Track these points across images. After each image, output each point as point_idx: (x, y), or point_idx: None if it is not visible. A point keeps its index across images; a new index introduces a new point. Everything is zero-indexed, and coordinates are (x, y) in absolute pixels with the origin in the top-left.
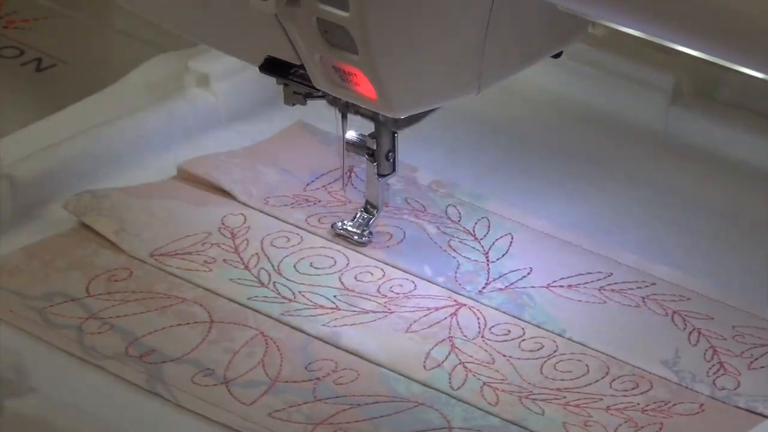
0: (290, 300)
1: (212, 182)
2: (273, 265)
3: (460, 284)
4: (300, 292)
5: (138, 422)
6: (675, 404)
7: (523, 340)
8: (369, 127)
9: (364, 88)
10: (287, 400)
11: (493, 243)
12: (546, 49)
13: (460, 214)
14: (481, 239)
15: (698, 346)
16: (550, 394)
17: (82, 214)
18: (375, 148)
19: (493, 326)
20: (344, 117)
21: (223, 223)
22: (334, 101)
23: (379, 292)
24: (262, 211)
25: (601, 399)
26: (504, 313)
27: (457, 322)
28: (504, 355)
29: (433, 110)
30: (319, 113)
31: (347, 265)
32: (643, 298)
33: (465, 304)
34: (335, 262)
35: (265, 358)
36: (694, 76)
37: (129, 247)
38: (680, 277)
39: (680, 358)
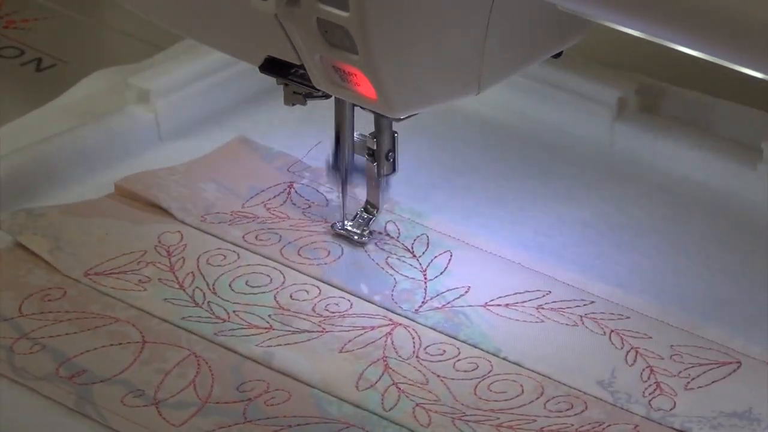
0: (224, 320)
1: (150, 199)
2: (208, 284)
3: (396, 303)
4: (234, 311)
5: None
6: (609, 425)
7: (458, 360)
8: (369, 127)
9: (364, 88)
10: (217, 422)
11: (432, 260)
12: (546, 49)
13: (399, 230)
14: (420, 256)
15: (635, 366)
16: (482, 416)
17: (17, 233)
18: (375, 148)
19: (428, 346)
20: (344, 184)
21: (159, 241)
22: (334, 168)
23: (314, 311)
24: (199, 229)
25: (535, 420)
26: (440, 332)
27: (392, 341)
28: (438, 376)
29: None
30: (262, 128)
31: (283, 283)
32: (581, 316)
33: (400, 323)
34: (271, 280)
35: (197, 379)
36: (639, 92)
37: (63, 266)
38: (619, 296)
39: (616, 378)
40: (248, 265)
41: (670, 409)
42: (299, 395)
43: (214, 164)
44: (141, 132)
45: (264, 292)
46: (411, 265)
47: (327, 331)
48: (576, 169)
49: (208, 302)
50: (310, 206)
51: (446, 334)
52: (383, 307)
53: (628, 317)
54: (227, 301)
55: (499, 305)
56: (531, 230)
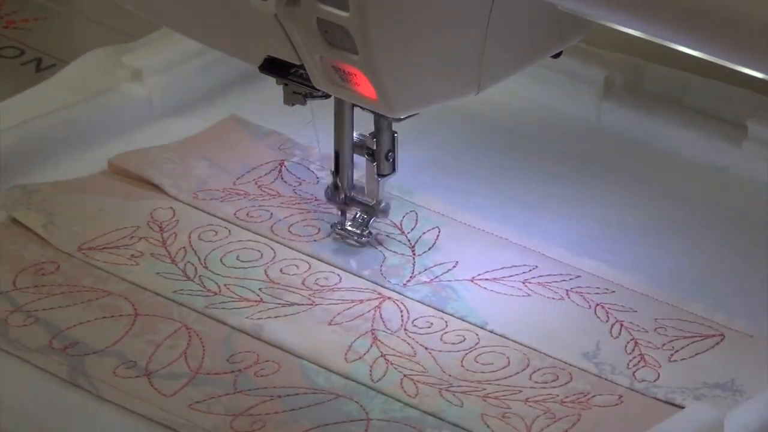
0: (215, 293)
1: (143, 176)
2: (199, 259)
3: (385, 277)
4: (225, 285)
5: (59, 414)
6: (594, 396)
7: (446, 332)
8: (369, 126)
9: (364, 88)
10: (207, 392)
11: (420, 236)
12: (546, 49)
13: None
14: (408, 233)
15: (620, 339)
16: (469, 387)
17: (11, 209)
18: (375, 148)
19: (416, 319)
20: (343, 213)
21: (152, 217)
22: (332, 196)
23: (304, 284)
24: (191, 205)
25: (521, 391)
26: (427, 306)
27: (381, 314)
28: (425, 348)
29: None
30: (253, 108)
31: (273, 258)
32: (567, 291)
33: (389, 297)
34: (261, 255)
35: (188, 351)
36: (625, 71)
37: (57, 241)
38: (605, 270)
39: (601, 351)
40: (239, 240)
41: (654, 380)
42: (288, 366)
43: (206, 142)
44: (134, 110)
45: (254, 267)
46: (400, 241)
47: (316, 304)
48: (564, 148)
49: (200, 276)
50: (300, 183)
51: (434, 308)
52: (372, 282)
53: (613, 291)
54: (218, 275)
55: (486, 279)
56: (518, 207)
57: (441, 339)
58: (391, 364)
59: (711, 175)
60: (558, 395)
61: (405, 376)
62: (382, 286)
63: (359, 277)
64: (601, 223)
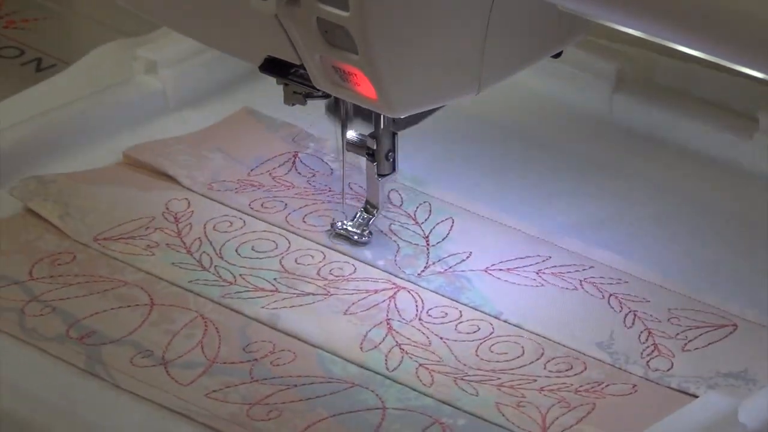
0: (231, 283)
1: (157, 168)
2: (215, 249)
3: (399, 267)
4: (240, 275)
5: (76, 402)
6: (608, 385)
7: (460, 322)
8: (369, 127)
9: (364, 88)
10: (224, 381)
11: (434, 227)
12: (546, 49)
13: (402, 198)
14: (422, 223)
15: (633, 328)
16: (484, 376)
17: (27, 199)
18: (375, 148)
19: (430, 309)
20: (344, 126)
21: (167, 208)
22: (334, 110)
23: (318, 274)
24: (205, 196)
25: (535, 380)
26: (442, 296)
27: (395, 304)
28: (440, 337)
29: (434, 110)
30: (266, 100)
31: (288, 248)
32: (580, 281)
33: (404, 287)
34: (276, 245)
35: (204, 340)
36: (637, 63)
37: (73, 231)
38: (618, 261)
39: (615, 340)
40: (254, 231)
41: (668, 370)
42: (304, 356)
43: (220, 134)
44: (149, 102)
45: (270, 257)
46: (414, 231)
47: (331, 294)
48: (575, 140)
49: (215, 266)
50: (314, 175)
51: (448, 298)
52: (386, 272)
53: (626, 282)
54: (234, 265)
55: (500, 270)
56: (531, 198)
57: (455, 329)
58: (406, 353)
59: (723, 166)
60: (572, 384)
61: (420, 365)
62: (396, 276)
63: (374, 267)
64: (614, 215)
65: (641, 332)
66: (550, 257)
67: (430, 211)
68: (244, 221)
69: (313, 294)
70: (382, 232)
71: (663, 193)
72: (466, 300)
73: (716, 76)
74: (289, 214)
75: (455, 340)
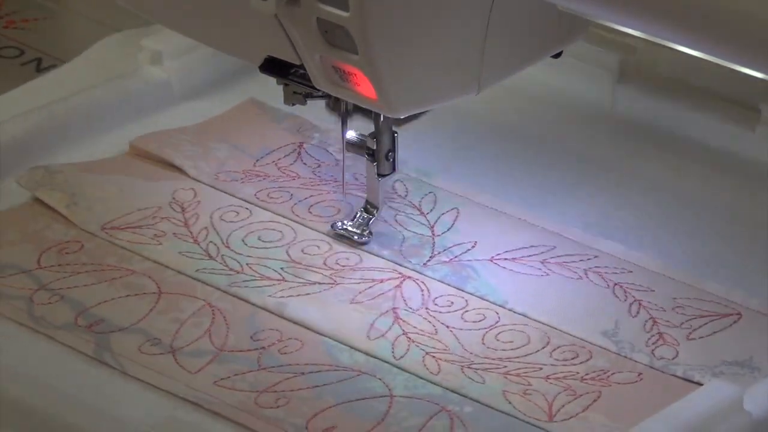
0: (238, 272)
1: (164, 158)
2: (222, 239)
3: (405, 257)
4: (247, 264)
5: (85, 389)
6: (614, 373)
7: (466, 311)
8: (369, 126)
9: (364, 88)
10: (232, 369)
11: (439, 217)
12: (546, 49)
13: (407, 189)
14: (427, 213)
15: (638, 317)
16: (491, 364)
17: (35, 188)
18: (375, 147)
19: (436, 298)
20: (344, 123)
21: (173, 198)
22: (334, 106)
23: (325, 264)
24: (212, 186)
25: (541, 368)
26: (448, 285)
27: (402, 293)
28: (447, 326)
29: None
30: (272, 91)
31: (294, 238)
32: (585, 270)
33: (410, 277)
34: (283, 235)
35: (212, 328)
36: (639, 54)
37: (80, 220)
38: (623, 251)
39: (620, 329)
40: (260, 221)
41: (673, 358)
42: (311, 344)
43: (225, 125)
44: (154, 93)
45: (276, 247)
46: (419, 221)
47: (338, 284)
48: (579, 131)
49: (222, 255)
50: (319, 165)
51: (454, 287)
52: (392, 261)
53: (630, 271)
54: (240, 254)
55: (505, 259)
56: (536, 189)
57: (462, 317)
58: (413, 341)
59: (725, 158)
60: (578, 372)
61: (427, 353)
62: (402, 265)
63: (379, 257)
64: (617, 205)
65: (646, 321)
66: (555, 247)
67: (435, 201)
68: (251, 211)
69: (320, 283)
70: (387, 222)
71: (666, 184)
72: (472, 289)
73: (719, 68)
74: (295, 204)
75: (461, 329)
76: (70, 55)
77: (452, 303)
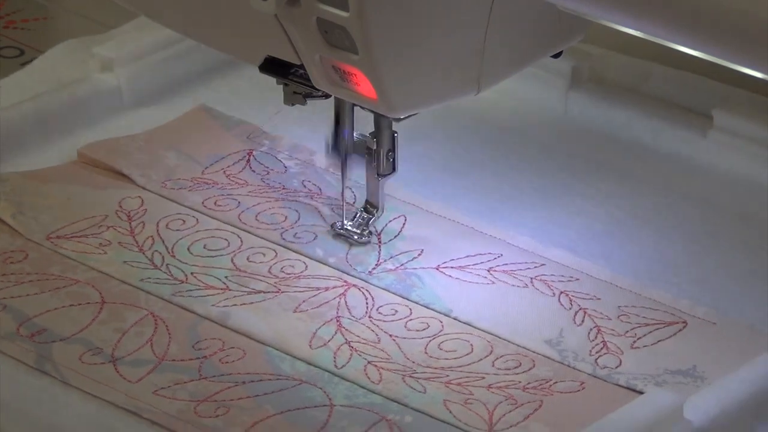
0: (182, 281)
1: (111, 166)
2: (167, 248)
3: (350, 265)
4: (192, 273)
5: (26, 400)
6: (556, 382)
7: (410, 320)
8: (369, 126)
9: (364, 88)
10: (172, 378)
11: (386, 225)
12: (546, 49)
13: (355, 196)
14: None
15: (583, 326)
16: (432, 373)
17: None
18: (375, 147)
19: (380, 306)
20: (344, 164)
21: (120, 206)
22: (334, 148)
23: (270, 272)
24: (159, 195)
25: (483, 377)
26: (392, 293)
27: (346, 302)
28: (390, 335)
29: None
30: (223, 98)
31: (240, 246)
32: (531, 278)
33: (354, 285)
34: (229, 243)
35: (154, 338)
36: (592, 61)
37: (25, 230)
38: (570, 259)
39: (564, 338)
40: (207, 229)
41: (616, 367)
42: (253, 353)
43: (175, 132)
44: (104, 100)
45: (221, 255)
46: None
47: (282, 292)
48: (531, 138)
49: (167, 264)
50: (268, 173)
51: (398, 295)
52: (338, 269)
53: (577, 279)
54: (185, 263)
55: (451, 267)
56: (484, 196)
57: (405, 326)
58: (356, 350)
59: (677, 164)
60: (520, 382)
61: (369, 362)
62: (347, 273)
63: (325, 264)
64: (567, 213)
65: (591, 330)
66: (502, 255)
67: (383, 208)
68: (197, 219)
69: (264, 292)
70: (333, 229)
71: (616, 191)
72: (417, 297)
73: (671, 74)
74: (242, 212)
75: (404, 338)
76: None
77: (396, 311)
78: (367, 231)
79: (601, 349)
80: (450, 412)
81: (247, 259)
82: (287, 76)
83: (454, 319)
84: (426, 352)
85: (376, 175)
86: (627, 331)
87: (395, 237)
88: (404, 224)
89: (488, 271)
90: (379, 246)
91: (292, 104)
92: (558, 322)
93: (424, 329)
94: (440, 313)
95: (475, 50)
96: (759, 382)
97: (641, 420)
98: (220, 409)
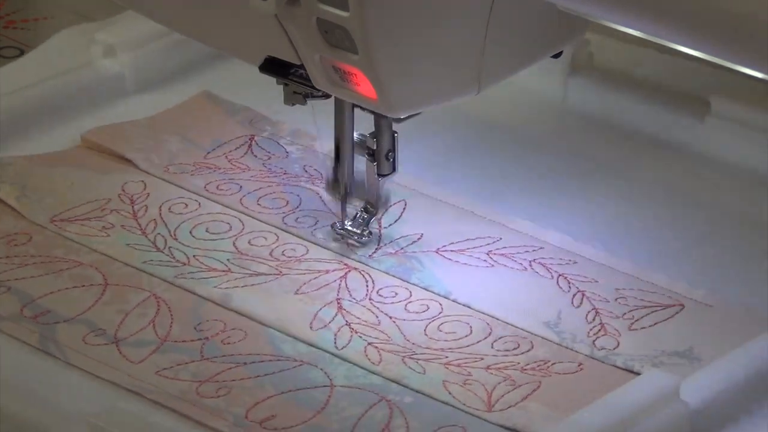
0: (184, 263)
1: (115, 151)
2: (169, 231)
3: (351, 249)
4: (194, 256)
5: (30, 380)
6: (554, 363)
7: (410, 302)
8: (369, 126)
9: (364, 88)
10: (175, 359)
11: (387, 209)
12: (546, 49)
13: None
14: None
15: (581, 308)
16: (432, 354)
17: None
18: (375, 147)
19: (380, 289)
20: (344, 202)
21: (123, 190)
22: (333, 188)
23: (271, 255)
24: (162, 179)
25: (482, 359)
26: (392, 276)
27: (346, 284)
28: (390, 317)
29: None
30: (226, 84)
31: (242, 230)
32: (530, 261)
33: (355, 268)
34: (230, 227)
35: (156, 319)
36: (591, 47)
37: (29, 212)
38: (568, 242)
39: (562, 319)
40: (209, 213)
41: (614, 348)
42: (255, 334)
43: (178, 118)
44: (107, 86)
45: (223, 239)
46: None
47: (283, 274)
48: (530, 123)
49: (169, 247)
50: (270, 158)
51: (398, 278)
52: (338, 253)
53: (575, 262)
54: (188, 246)
55: (451, 251)
56: (484, 180)
57: (405, 308)
58: (356, 332)
59: (674, 150)
60: (519, 363)
61: (369, 344)
62: (348, 257)
63: (326, 248)
64: (565, 197)
65: (589, 312)
66: (501, 238)
67: None
68: (200, 203)
69: (265, 274)
70: (334, 214)
71: (614, 175)
72: (416, 280)
73: (670, 61)
74: (244, 196)
75: (404, 320)
76: None
77: (396, 294)
78: (367, 231)
79: (599, 330)
80: (449, 392)
81: (249, 242)
82: (287, 76)
83: (454, 301)
84: (426, 334)
85: (376, 176)
86: (624, 313)
87: (396, 221)
88: (404, 208)
89: (487, 254)
90: (380, 230)
91: (293, 104)
92: (556, 304)
93: (424, 311)
94: (440, 295)
95: (476, 50)
96: (755, 363)
97: (638, 400)
98: (221, 389)
